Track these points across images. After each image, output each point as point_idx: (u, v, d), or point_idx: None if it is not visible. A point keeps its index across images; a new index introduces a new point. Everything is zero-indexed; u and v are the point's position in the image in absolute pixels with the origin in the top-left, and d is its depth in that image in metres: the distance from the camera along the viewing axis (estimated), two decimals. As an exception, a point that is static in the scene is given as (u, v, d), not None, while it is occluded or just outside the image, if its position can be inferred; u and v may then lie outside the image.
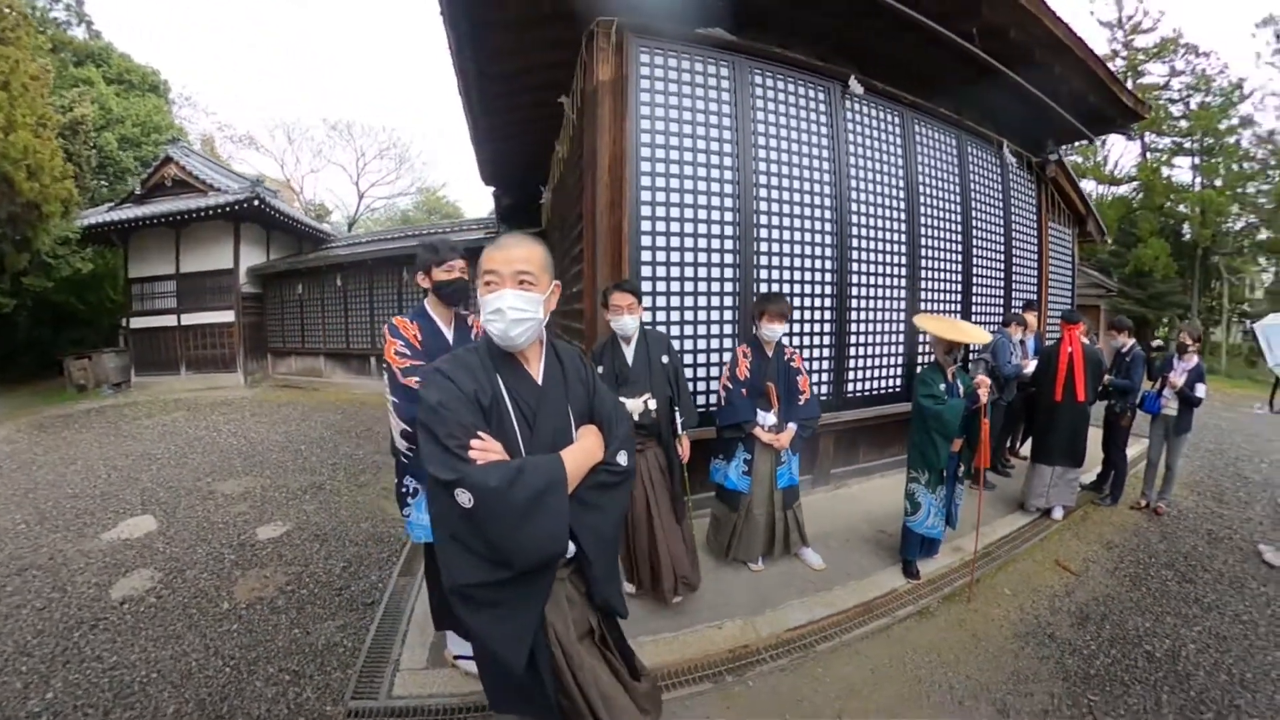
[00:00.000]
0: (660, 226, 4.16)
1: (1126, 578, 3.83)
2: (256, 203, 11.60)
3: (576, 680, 1.49)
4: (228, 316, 12.92)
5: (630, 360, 3.07)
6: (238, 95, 45.25)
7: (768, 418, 3.40)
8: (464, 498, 1.25)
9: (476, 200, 44.03)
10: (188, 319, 12.93)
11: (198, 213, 11.73)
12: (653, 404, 2.99)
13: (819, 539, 3.87)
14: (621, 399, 2.74)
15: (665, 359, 3.12)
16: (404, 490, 2.48)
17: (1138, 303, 19.72)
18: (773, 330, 3.37)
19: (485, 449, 1.31)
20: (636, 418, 2.91)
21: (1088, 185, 20.89)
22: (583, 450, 1.44)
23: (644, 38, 4.10)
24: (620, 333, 3.09)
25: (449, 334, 2.50)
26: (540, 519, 1.29)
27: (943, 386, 3.39)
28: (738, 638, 2.92)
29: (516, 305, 1.39)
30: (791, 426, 3.43)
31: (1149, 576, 3.86)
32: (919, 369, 4.17)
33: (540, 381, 1.51)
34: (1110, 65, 10.50)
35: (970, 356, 5.58)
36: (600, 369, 2.96)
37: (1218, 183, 20.41)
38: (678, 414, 3.11)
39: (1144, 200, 21.35)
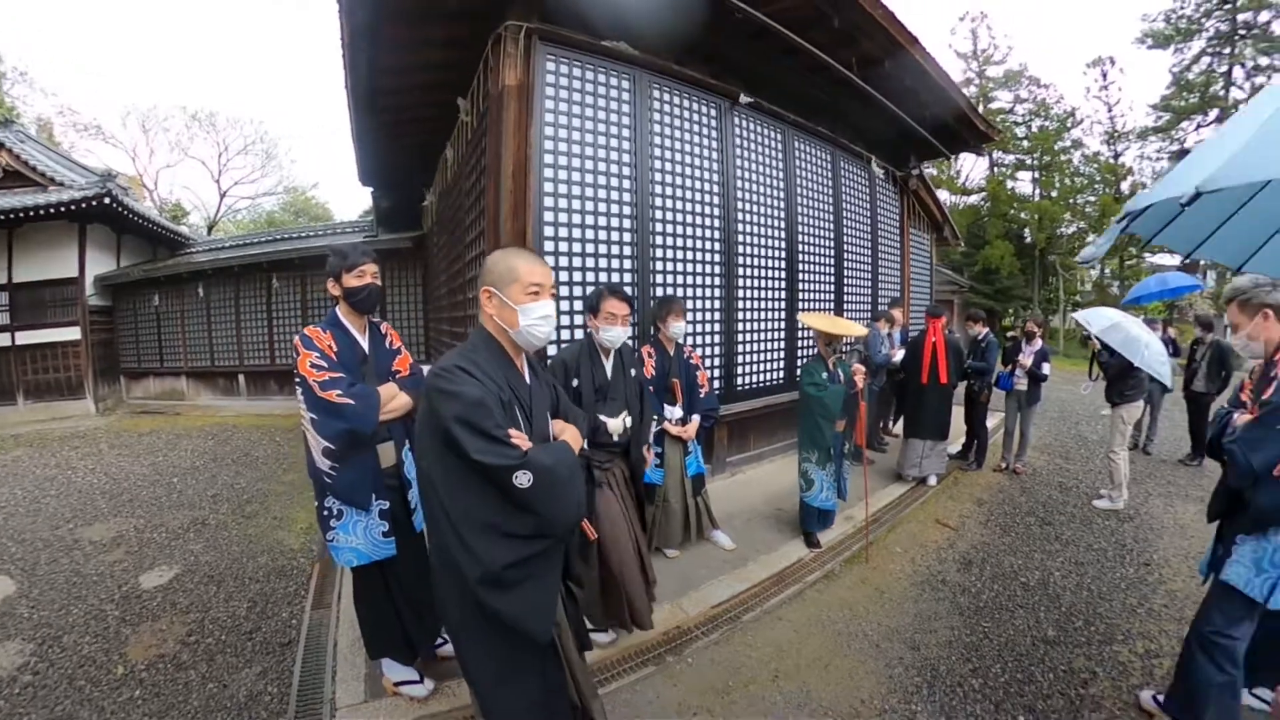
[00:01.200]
0: (563, 233, 4.25)
1: (997, 527, 4.56)
2: (108, 201, 9.83)
3: (568, 660, 1.73)
4: (73, 334, 10.97)
5: (609, 374, 2.92)
6: (85, 75, 38.36)
7: (674, 411, 3.64)
8: (524, 479, 1.44)
9: (348, 202, 41.28)
10: (24, 338, 10.83)
11: (35, 211, 9.75)
12: (629, 422, 2.84)
13: (725, 521, 4.20)
14: (602, 417, 2.72)
15: (634, 372, 3.05)
16: (326, 513, 2.30)
17: (986, 297, 23.44)
18: (678, 328, 3.63)
19: (520, 438, 1.50)
20: (616, 438, 2.77)
21: (943, 195, 24.29)
22: (574, 439, 1.68)
23: (551, 45, 4.15)
24: (608, 344, 2.91)
25: (364, 343, 2.40)
26: (575, 489, 1.56)
27: (825, 375, 3.85)
28: (669, 620, 3.11)
29: (553, 313, 1.69)
30: (695, 418, 3.70)
31: (1016, 524, 4.63)
32: (803, 362, 4.62)
33: (528, 380, 1.72)
34: (966, 91, 12.08)
35: (845, 348, 6.23)
36: (577, 382, 2.82)
37: (1053, 194, 25.68)
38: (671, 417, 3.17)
39: (991, 208, 26.02)
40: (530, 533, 1.50)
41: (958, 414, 5.80)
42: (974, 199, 27.57)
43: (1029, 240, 25.64)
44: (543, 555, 1.54)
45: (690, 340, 5.02)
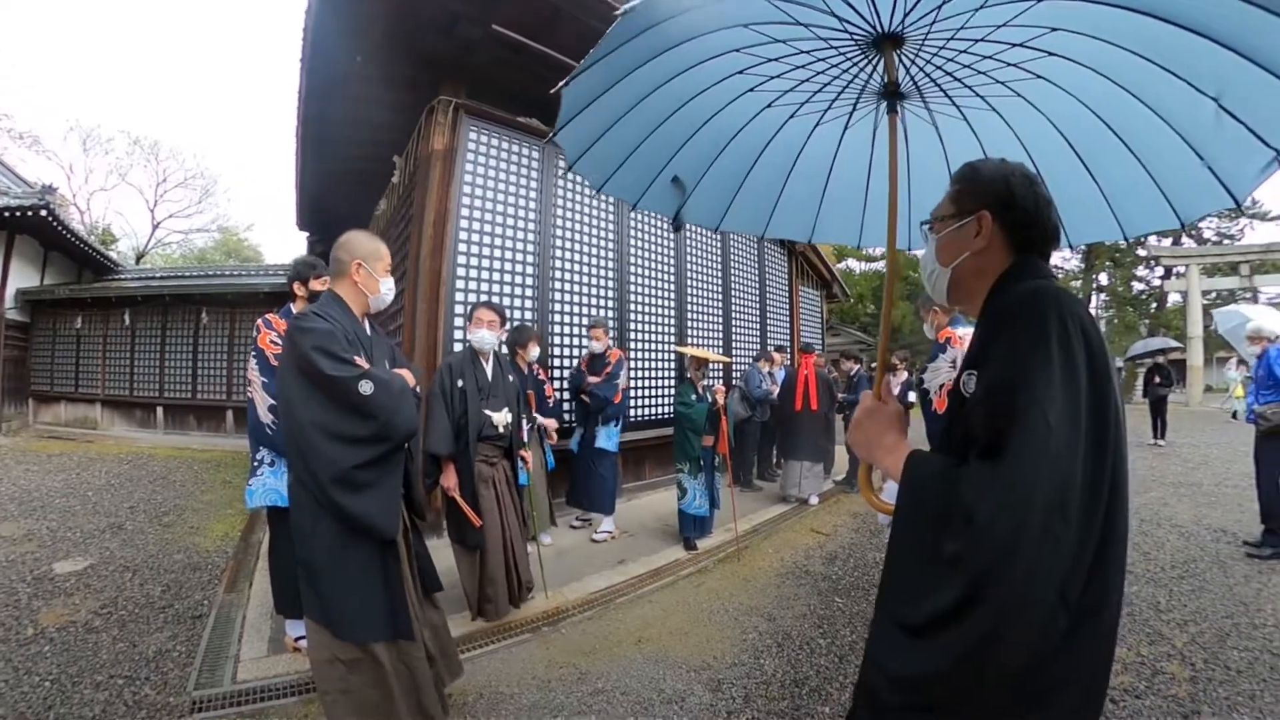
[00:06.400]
0: (474, 274, 4.97)
1: (866, 532, 5.14)
2: (44, 214, 9.60)
3: (406, 591, 2.09)
4: None
5: (490, 375, 3.30)
6: (25, 82, 36.71)
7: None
8: (367, 386, 1.87)
9: (281, 248, 40.95)
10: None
11: None
12: (509, 418, 3.26)
13: (618, 537, 4.79)
14: (486, 411, 3.19)
15: (512, 378, 3.45)
16: (258, 462, 2.84)
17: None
18: (534, 352, 4.45)
19: (362, 361, 1.95)
20: (501, 429, 3.19)
21: (852, 263, 25.98)
22: (407, 376, 2.14)
23: (475, 118, 4.96)
24: (478, 346, 3.28)
25: None
26: (408, 404, 2.02)
27: (694, 397, 4.57)
28: (551, 604, 3.54)
29: (394, 287, 2.21)
30: (552, 420, 4.50)
31: (884, 529, 5.17)
32: (677, 386, 5.39)
33: (369, 332, 2.17)
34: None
35: (715, 381, 7.09)
36: (461, 382, 3.16)
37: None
38: (524, 424, 3.62)
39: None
40: (372, 435, 1.90)
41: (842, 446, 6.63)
42: (879, 264, 29.85)
43: (925, 300, 28.05)
44: (385, 460, 1.95)
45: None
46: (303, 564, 1.97)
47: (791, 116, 1.79)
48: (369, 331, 2.17)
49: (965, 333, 3.47)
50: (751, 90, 1.68)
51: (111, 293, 11.31)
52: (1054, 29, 1.34)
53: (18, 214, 9.54)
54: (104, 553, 4.36)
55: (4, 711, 2.42)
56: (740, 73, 1.61)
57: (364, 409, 1.89)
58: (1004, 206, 1.07)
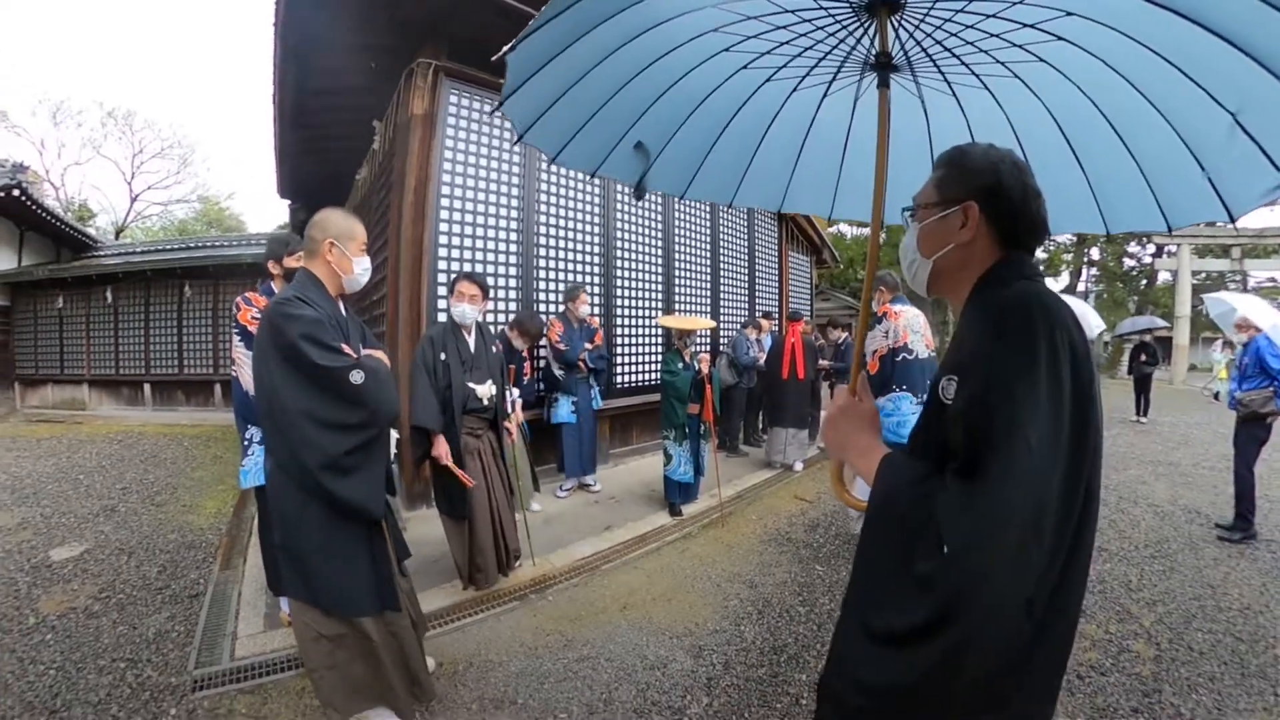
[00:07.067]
0: (455, 241, 4.90)
1: None
2: (17, 193, 9.43)
3: (390, 563, 2.15)
4: None
5: (472, 348, 3.29)
6: None
7: (513, 391, 4.24)
8: (358, 376, 1.90)
9: (263, 216, 40.04)
10: (-91, 337, 10.02)
11: None
12: (493, 390, 3.29)
13: (604, 501, 4.92)
14: (470, 384, 3.20)
15: (495, 350, 3.44)
16: (247, 441, 2.85)
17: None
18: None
19: (349, 349, 1.98)
20: (486, 401, 3.22)
21: (843, 228, 25.72)
22: (382, 356, 2.17)
23: (455, 80, 4.81)
24: (459, 320, 3.25)
25: None
26: (392, 388, 2.09)
27: (680, 365, 4.60)
28: (538, 571, 3.65)
29: (370, 267, 2.19)
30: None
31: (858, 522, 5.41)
32: (663, 354, 5.45)
33: (344, 313, 2.18)
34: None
35: (720, 348, 7.14)
36: (444, 355, 3.16)
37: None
38: (509, 396, 3.66)
39: (886, 238, 27.84)
40: (361, 421, 1.94)
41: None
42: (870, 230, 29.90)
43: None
44: (372, 444, 2.00)
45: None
46: (285, 547, 2.01)
47: (768, 80, 1.71)
48: (344, 311, 2.17)
49: (901, 309, 3.72)
50: (726, 50, 1.60)
51: (92, 271, 11.14)
52: (1069, 13, 1.28)
53: (-13, 195, 9.25)
54: (99, 537, 4.41)
55: (11, 702, 2.46)
56: (715, 30, 1.52)
57: (355, 398, 1.92)
58: (992, 197, 1.02)
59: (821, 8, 1.42)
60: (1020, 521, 0.78)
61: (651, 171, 1.90)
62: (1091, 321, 7.86)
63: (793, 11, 1.45)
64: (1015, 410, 0.81)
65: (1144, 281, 24.78)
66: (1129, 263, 25.62)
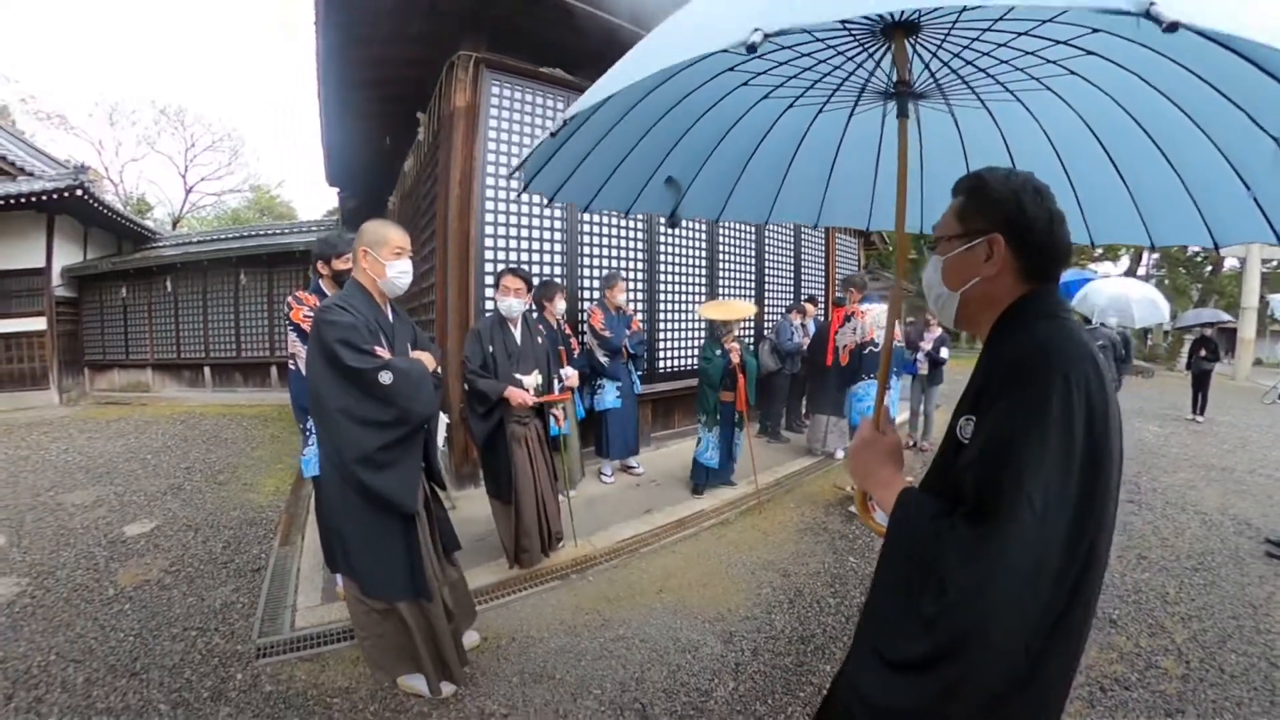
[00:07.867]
0: (501, 232, 4.93)
1: None
2: (80, 193, 9.88)
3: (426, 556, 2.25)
4: (38, 324, 11.08)
5: (519, 340, 3.38)
6: (51, 62, 37.51)
7: (566, 371, 4.18)
8: (386, 377, 2.00)
9: (312, 202, 41.23)
10: (-11, 327, 10.84)
11: (6, 200, 9.75)
12: (539, 379, 3.38)
13: (644, 484, 4.95)
14: (517, 375, 3.30)
15: (540, 340, 3.51)
16: (308, 433, 2.92)
17: (923, 297, 25.00)
18: (560, 306, 4.61)
19: (383, 352, 2.07)
20: (533, 391, 3.31)
21: None
22: (427, 360, 2.23)
23: (496, 72, 4.82)
24: (506, 314, 3.34)
25: None
26: (426, 390, 2.15)
27: (717, 352, 4.57)
28: (579, 552, 3.72)
29: (410, 270, 2.23)
30: (575, 371, 4.54)
31: None
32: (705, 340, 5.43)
33: (390, 318, 2.26)
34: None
35: (764, 333, 7.06)
36: (492, 348, 3.27)
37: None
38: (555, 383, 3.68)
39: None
40: (392, 419, 2.05)
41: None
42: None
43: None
44: (404, 441, 2.10)
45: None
46: (333, 530, 2.19)
47: (790, 106, 1.72)
48: (391, 317, 2.26)
49: (868, 307, 4.13)
50: (745, 85, 1.61)
51: (151, 262, 11.77)
52: (1095, 30, 1.22)
53: (55, 196, 9.89)
54: (167, 514, 4.68)
55: (97, 665, 2.67)
56: (730, 70, 1.54)
57: (384, 397, 2.03)
58: (1015, 227, 1.01)
59: (829, 45, 1.41)
60: (1019, 579, 0.84)
61: (684, 201, 1.96)
62: (1161, 306, 7.40)
63: (800, 48, 1.44)
64: (1022, 470, 0.84)
65: (1209, 269, 23.16)
66: (1193, 248, 24.16)
